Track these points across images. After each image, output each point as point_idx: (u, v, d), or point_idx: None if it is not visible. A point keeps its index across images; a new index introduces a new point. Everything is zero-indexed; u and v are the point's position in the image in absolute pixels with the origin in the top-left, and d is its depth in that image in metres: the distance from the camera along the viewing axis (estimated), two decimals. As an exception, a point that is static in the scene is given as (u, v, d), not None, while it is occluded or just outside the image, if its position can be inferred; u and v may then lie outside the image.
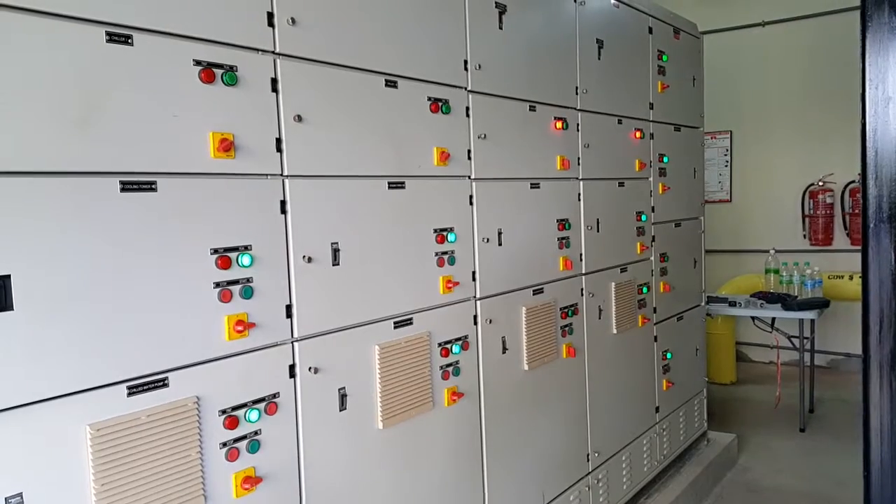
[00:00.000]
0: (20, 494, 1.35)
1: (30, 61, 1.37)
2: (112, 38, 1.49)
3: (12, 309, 1.33)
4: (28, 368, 1.36)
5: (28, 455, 1.37)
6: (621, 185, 3.48)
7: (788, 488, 4.24)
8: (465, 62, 2.47)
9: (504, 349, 2.67)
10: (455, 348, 2.41)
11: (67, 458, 1.42)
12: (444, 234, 2.37)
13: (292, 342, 1.87)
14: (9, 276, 1.33)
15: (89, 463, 1.44)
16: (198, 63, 1.64)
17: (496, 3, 2.62)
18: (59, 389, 1.41)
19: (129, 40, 1.52)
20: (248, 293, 1.75)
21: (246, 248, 1.75)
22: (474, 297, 2.52)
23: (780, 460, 4.65)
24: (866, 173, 1.34)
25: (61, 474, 1.41)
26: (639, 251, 3.63)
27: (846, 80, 6.20)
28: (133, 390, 1.53)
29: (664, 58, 3.87)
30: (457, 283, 2.41)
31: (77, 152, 1.44)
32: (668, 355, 3.98)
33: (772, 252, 5.98)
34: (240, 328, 1.72)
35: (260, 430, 1.78)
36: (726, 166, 7.24)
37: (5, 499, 1.33)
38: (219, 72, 1.68)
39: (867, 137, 1.34)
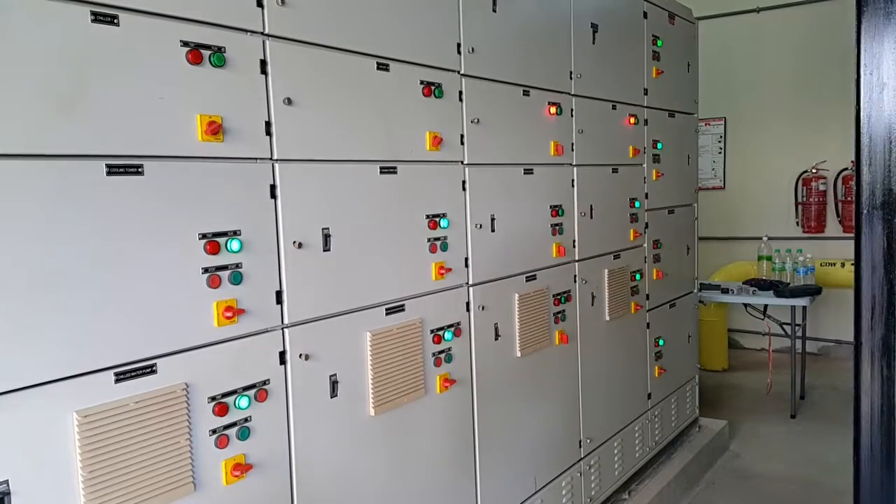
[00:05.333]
0: (6, 482, 1.34)
1: (12, 40, 1.34)
2: (97, 17, 1.46)
3: (-4, 294, 1.31)
4: (12, 354, 1.34)
5: (14, 442, 1.35)
6: (615, 171, 3.47)
7: (779, 474, 4.26)
8: (459, 45, 2.44)
9: (497, 336, 2.66)
10: (447, 335, 2.40)
11: (54, 446, 1.40)
12: (437, 219, 2.35)
13: (283, 328, 1.86)
14: (-8, 261, 1.31)
15: (76, 450, 1.43)
16: (185, 44, 1.61)
17: (490, -15, 2.59)
18: (45, 376, 1.39)
19: (115, 20, 1.48)
20: (237, 279, 1.73)
21: (235, 233, 1.73)
22: (467, 283, 2.51)
23: (770, 446, 4.68)
24: (860, 160, 1.34)
25: (48, 462, 1.40)
26: (632, 238, 3.62)
27: (840, 68, 6.20)
28: (120, 377, 1.51)
29: (659, 43, 3.84)
30: (449, 270, 2.39)
31: (62, 134, 1.41)
32: (661, 342, 3.98)
33: (764, 239, 5.99)
34: (229, 314, 1.70)
35: (250, 416, 1.77)
36: (720, 153, 7.23)
37: (-10, 486, 1.32)
38: (206, 53, 1.65)
39: (861, 123, 1.33)
